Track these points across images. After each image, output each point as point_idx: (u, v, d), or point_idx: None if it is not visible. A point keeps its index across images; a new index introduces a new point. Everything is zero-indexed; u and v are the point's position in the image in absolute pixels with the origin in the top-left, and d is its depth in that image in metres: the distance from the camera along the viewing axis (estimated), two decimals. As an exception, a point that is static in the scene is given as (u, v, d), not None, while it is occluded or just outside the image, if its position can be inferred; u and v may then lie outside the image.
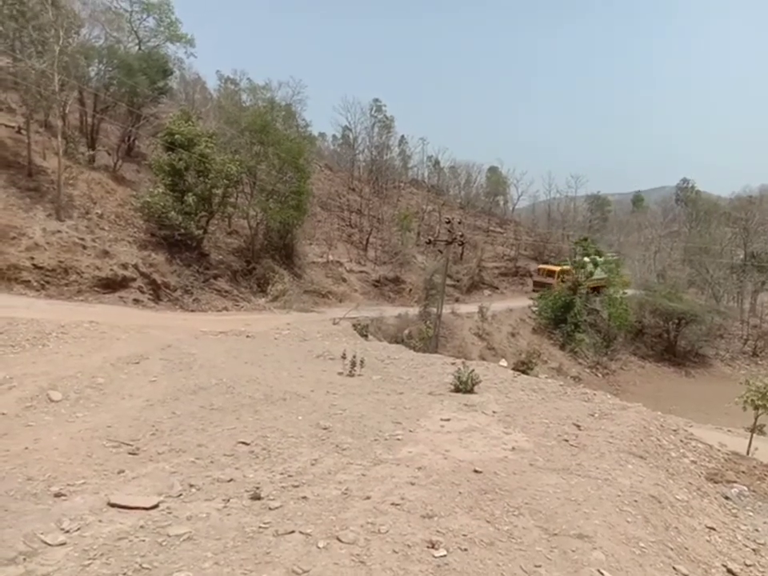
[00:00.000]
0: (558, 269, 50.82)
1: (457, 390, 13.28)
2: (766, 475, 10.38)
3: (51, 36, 24.73)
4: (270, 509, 6.22)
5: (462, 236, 33.49)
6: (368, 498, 6.63)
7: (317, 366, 15.59)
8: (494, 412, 11.46)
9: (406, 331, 33.43)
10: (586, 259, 49.11)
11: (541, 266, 55.02)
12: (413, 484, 7.16)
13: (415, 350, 24.40)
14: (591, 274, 47.74)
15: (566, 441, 9.77)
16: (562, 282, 49.06)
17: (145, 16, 35.06)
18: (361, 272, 44.20)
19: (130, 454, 8.22)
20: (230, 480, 7.07)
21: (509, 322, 43.34)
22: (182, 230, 28.26)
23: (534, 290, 51.75)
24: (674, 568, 6.10)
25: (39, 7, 25.14)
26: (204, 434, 9.04)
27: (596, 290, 49.66)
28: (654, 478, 8.50)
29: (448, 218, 35.98)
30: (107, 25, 32.51)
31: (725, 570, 6.69)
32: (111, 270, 24.39)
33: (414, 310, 37.44)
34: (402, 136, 73.21)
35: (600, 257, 47.97)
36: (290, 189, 34.33)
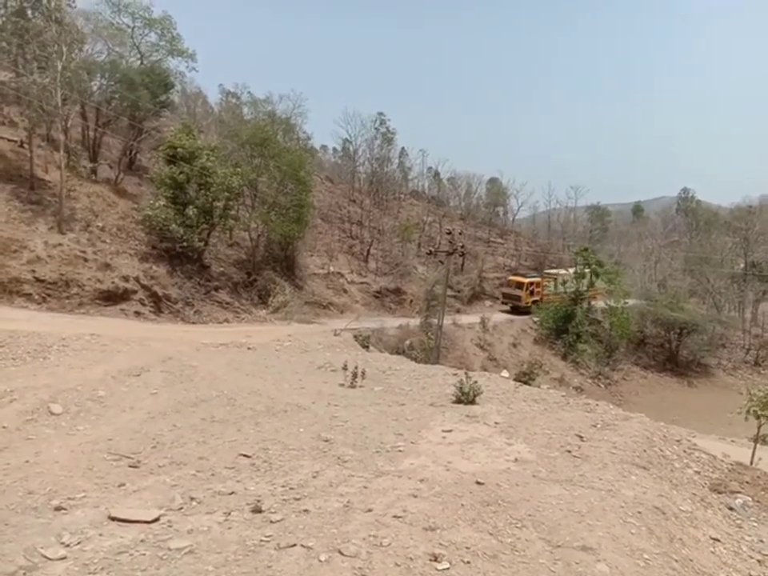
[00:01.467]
0: (526, 281, 49.46)
1: (458, 401, 13.23)
2: (770, 486, 10.31)
3: (54, 52, 24.98)
4: (271, 522, 6.19)
5: (462, 247, 33.54)
6: (370, 510, 6.60)
7: (318, 378, 15.56)
8: (496, 423, 11.42)
9: (408, 342, 33.39)
10: (568, 271, 48.75)
11: (511, 277, 52.90)
12: (415, 496, 7.12)
13: (416, 360, 24.37)
14: (592, 283, 47.53)
15: (569, 452, 9.72)
16: (531, 294, 48.32)
17: (147, 31, 35.40)
18: (362, 283, 44.23)
19: (130, 467, 8.19)
20: (231, 493, 7.04)
21: (510, 333, 43.31)
22: (184, 243, 28.34)
23: (503, 302, 50.74)
24: (678, 580, 6.05)
25: (43, 24, 25.42)
26: (205, 447, 9.02)
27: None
28: (658, 489, 8.45)
29: (449, 229, 36.12)
30: (109, 40, 32.81)
31: (730, 581, 6.63)
32: (112, 282, 24.44)
33: (415, 321, 37.43)
34: (403, 148, 73.65)
35: (601, 267, 47.60)
36: (291, 201, 34.46)
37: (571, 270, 51.47)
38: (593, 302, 48.23)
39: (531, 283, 49.19)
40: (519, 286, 49.23)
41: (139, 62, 34.97)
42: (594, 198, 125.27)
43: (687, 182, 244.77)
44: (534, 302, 48.20)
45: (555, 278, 49.80)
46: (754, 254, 61.87)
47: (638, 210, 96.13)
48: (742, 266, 62.58)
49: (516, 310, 48.24)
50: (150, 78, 31.91)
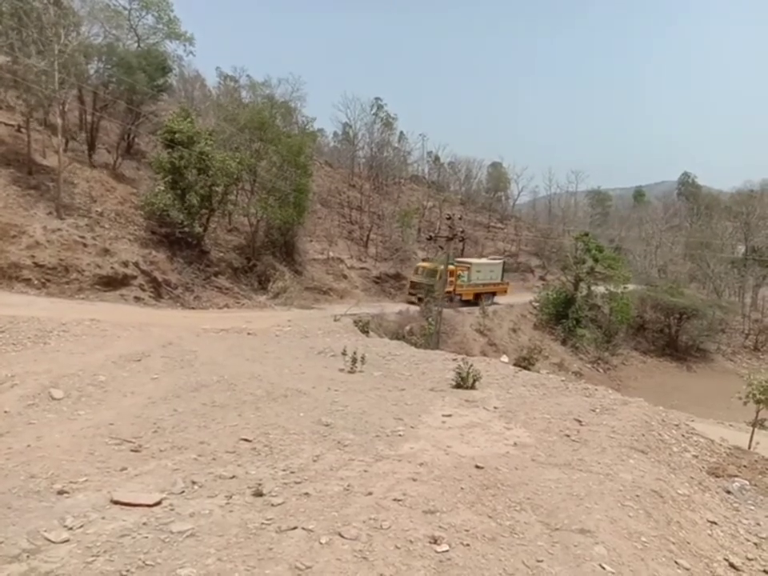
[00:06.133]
0: (440, 267, 38.64)
1: (458, 386, 13.27)
2: (767, 469, 10.38)
3: (52, 35, 24.67)
4: (272, 505, 6.23)
5: (462, 232, 33.48)
6: (370, 493, 6.64)
7: (318, 363, 15.59)
8: (495, 408, 11.47)
9: (407, 327, 33.42)
10: (481, 260, 44.88)
11: (420, 263, 43.79)
12: (415, 480, 7.17)
13: (416, 346, 24.36)
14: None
15: (568, 436, 9.78)
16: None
17: (144, 13, 34.89)
18: (361, 268, 44.19)
19: (132, 451, 8.23)
20: (233, 477, 7.08)
21: (510, 318, 43.33)
22: (184, 228, 28.24)
23: (410, 293, 41.19)
24: (675, 562, 6.11)
25: (41, 7, 25.07)
26: (206, 431, 9.05)
27: (478, 296, 43.23)
28: (656, 472, 8.51)
29: (449, 214, 35.93)
30: (106, 22, 32.28)
31: (726, 564, 6.70)
32: (112, 267, 24.40)
33: (414, 307, 37.43)
34: (402, 132, 73.13)
35: (601, 252, 47.19)
36: (290, 186, 34.29)
37: (485, 260, 47.26)
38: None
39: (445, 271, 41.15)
40: (432, 273, 40.20)
41: (136, 45, 34.49)
42: (594, 182, 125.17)
43: (688, 166, 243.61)
44: (447, 293, 38.62)
45: (469, 267, 43.22)
46: (755, 239, 61.83)
47: (639, 194, 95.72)
48: (743, 250, 62.53)
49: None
50: (148, 62, 31.50)
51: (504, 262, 48.51)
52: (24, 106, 26.68)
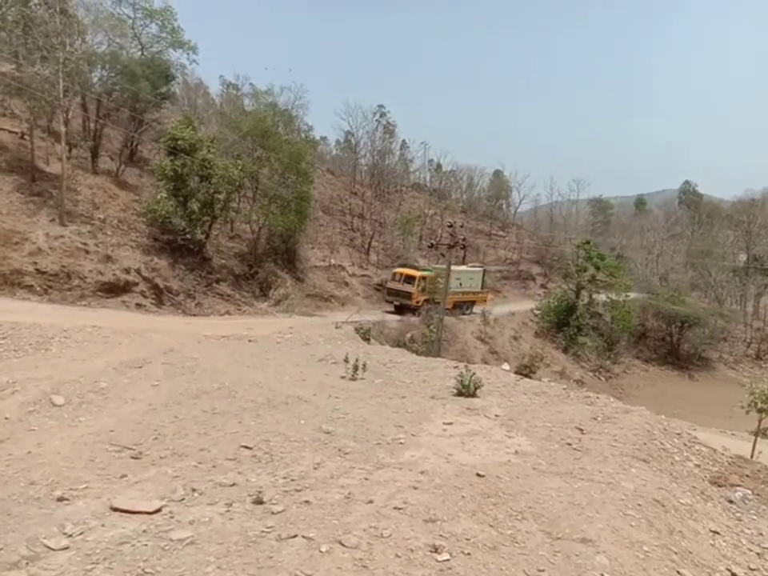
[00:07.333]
0: (419, 274, 39.03)
1: (459, 393, 13.24)
2: (770, 479, 10.33)
3: (57, 43, 24.85)
4: (272, 513, 6.21)
5: (464, 240, 33.43)
6: (371, 502, 6.62)
7: (319, 370, 15.57)
8: (496, 416, 11.43)
9: (409, 335, 33.41)
10: (460, 267, 41.87)
11: (398, 268, 41.72)
12: (415, 488, 7.14)
13: (417, 353, 24.35)
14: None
15: (569, 444, 9.74)
16: (423, 291, 38.26)
17: (148, 22, 35.16)
18: (363, 276, 44.25)
19: (132, 458, 8.21)
20: (233, 484, 7.06)
21: (511, 326, 43.31)
22: (186, 235, 28.32)
23: (387, 300, 40.20)
24: (678, 572, 6.07)
25: (47, 15, 25.27)
26: (206, 438, 9.03)
27: (457, 305, 40.65)
28: (658, 481, 8.46)
29: (450, 222, 35.99)
30: (110, 31, 32.50)
31: (729, 574, 6.65)
32: (114, 274, 24.44)
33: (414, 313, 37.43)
34: (404, 140, 73.39)
35: (602, 260, 47.11)
36: (292, 194, 34.41)
37: (464, 267, 45.52)
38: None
39: (424, 278, 38.86)
40: (409, 279, 38.77)
41: (140, 53, 34.69)
42: (596, 190, 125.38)
43: (690, 175, 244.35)
44: (426, 301, 38.25)
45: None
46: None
47: (640, 202, 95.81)
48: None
49: (401, 310, 38.15)
50: (151, 70, 31.71)
51: (484, 270, 45.83)
52: (28, 114, 26.86)
